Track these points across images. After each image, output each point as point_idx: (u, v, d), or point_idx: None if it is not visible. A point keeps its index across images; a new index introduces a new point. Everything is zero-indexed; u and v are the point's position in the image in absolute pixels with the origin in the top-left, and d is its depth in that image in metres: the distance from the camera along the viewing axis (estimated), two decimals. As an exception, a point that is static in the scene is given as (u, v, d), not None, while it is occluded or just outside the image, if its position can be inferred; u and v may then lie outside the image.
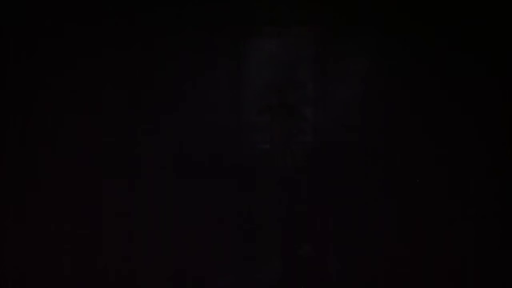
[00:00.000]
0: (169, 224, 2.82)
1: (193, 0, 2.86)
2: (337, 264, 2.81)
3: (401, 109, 2.88)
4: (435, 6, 2.84)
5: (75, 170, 2.80)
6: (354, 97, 2.91)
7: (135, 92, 2.86)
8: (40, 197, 2.79)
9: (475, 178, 2.81)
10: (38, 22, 2.80)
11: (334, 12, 2.91)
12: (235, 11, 2.90)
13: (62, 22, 2.81)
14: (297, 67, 2.95)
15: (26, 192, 2.78)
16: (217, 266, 2.80)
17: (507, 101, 2.79)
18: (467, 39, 2.82)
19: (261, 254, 2.85)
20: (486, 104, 2.81)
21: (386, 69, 2.88)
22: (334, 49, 2.92)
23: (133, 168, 2.82)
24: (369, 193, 2.84)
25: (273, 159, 2.95)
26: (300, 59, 2.95)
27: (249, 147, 2.94)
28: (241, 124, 2.97)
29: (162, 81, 2.87)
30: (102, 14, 2.84)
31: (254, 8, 2.91)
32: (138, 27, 2.86)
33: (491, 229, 2.76)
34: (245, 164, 2.90)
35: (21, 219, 2.77)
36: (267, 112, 3.21)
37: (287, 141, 3.02)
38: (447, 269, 2.76)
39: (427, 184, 2.82)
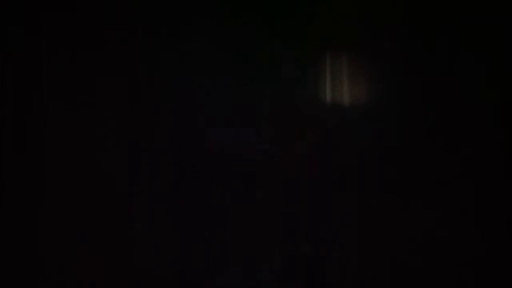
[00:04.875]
0: (169, 224, 2.82)
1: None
2: (339, 264, 2.81)
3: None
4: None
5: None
6: (357, 96, 2.92)
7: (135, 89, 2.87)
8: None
9: (482, 178, 2.80)
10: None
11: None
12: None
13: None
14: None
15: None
16: (216, 266, 2.80)
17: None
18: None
19: (262, 254, 2.85)
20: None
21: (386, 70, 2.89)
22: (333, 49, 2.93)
23: (133, 167, 2.83)
24: (372, 194, 2.84)
25: (273, 159, 2.95)
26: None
27: (249, 147, 2.95)
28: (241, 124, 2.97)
29: (162, 79, 2.88)
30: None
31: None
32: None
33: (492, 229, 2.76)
34: (245, 165, 2.90)
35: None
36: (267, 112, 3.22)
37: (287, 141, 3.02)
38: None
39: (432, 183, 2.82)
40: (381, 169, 2.83)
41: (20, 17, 2.76)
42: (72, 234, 2.76)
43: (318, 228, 2.82)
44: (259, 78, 2.91)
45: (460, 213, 2.76)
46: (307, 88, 2.91)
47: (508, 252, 2.69)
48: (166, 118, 2.85)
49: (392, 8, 2.83)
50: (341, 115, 2.91)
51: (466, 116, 2.81)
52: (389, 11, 2.83)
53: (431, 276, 2.73)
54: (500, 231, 2.72)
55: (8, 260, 2.70)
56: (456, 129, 2.81)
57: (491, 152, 2.78)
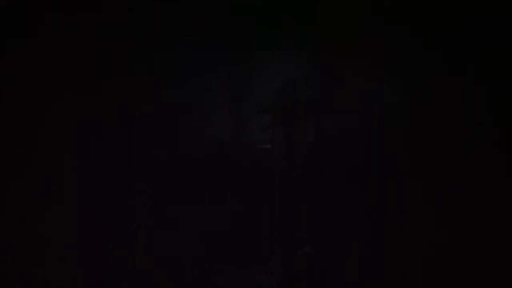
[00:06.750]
0: (169, 224, 2.82)
1: None
2: (338, 263, 2.81)
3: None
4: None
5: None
6: (358, 95, 2.92)
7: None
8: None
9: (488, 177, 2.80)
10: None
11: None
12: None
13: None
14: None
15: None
16: (217, 265, 2.81)
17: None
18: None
19: (262, 253, 2.85)
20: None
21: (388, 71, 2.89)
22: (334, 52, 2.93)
23: (132, 166, 2.83)
24: (368, 194, 2.84)
25: (274, 159, 2.95)
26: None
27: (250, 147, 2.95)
28: (242, 124, 2.98)
29: (161, 79, 2.88)
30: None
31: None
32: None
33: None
34: (246, 164, 2.90)
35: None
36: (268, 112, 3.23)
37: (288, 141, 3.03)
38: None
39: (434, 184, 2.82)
40: (381, 169, 2.84)
41: (20, 17, 2.77)
42: (71, 234, 2.76)
43: (318, 228, 2.83)
44: (259, 78, 2.91)
45: (460, 213, 2.76)
46: (308, 87, 2.91)
47: (508, 252, 2.70)
48: (166, 118, 2.86)
49: (392, 7, 2.84)
50: (341, 115, 2.91)
51: (466, 115, 2.82)
52: (390, 10, 2.84)
53: (431, 275, 2.74)
54: (500, 231, 2.73)
55: (9, 259, 2.72)
56: (457, 129, 2.82)
57: (491, 152, 2.78)
